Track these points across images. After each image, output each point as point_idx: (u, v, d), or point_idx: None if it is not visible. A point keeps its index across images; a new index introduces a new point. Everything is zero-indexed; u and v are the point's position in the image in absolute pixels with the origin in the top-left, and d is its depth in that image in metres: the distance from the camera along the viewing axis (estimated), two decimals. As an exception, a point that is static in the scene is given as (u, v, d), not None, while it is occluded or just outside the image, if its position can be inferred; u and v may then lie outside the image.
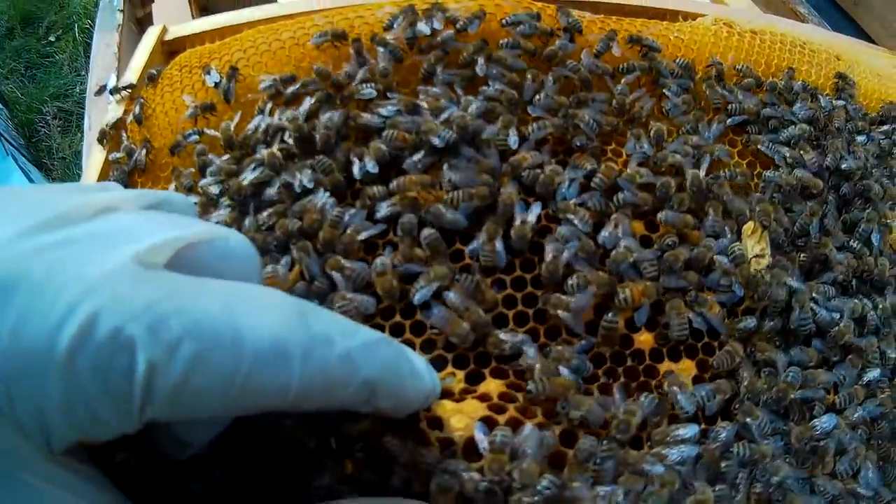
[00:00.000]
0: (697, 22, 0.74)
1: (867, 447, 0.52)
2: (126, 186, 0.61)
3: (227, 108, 0.62)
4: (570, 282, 0.50)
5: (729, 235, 0.56)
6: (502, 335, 0.48)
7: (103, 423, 0.26)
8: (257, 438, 0.38)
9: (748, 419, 0.48)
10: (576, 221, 0.52)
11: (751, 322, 0.53)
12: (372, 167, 0.53)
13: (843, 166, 0.63)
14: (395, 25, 0.63)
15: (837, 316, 0.56)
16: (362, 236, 0.51)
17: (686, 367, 0.52)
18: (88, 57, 0.93)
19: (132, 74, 0.68)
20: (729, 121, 0.65)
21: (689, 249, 0.53)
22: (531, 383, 0.45)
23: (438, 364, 0.48)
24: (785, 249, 0.59)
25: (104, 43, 0.93)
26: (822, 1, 1.17)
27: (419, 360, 0.36)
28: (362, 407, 0.33)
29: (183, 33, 0.72)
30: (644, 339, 0.52)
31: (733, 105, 0.65)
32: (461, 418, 0.43)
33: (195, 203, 0.55)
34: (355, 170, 0.54)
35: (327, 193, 0.52)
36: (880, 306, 0.59)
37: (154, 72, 0.67)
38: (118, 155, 0.62)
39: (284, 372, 0.28)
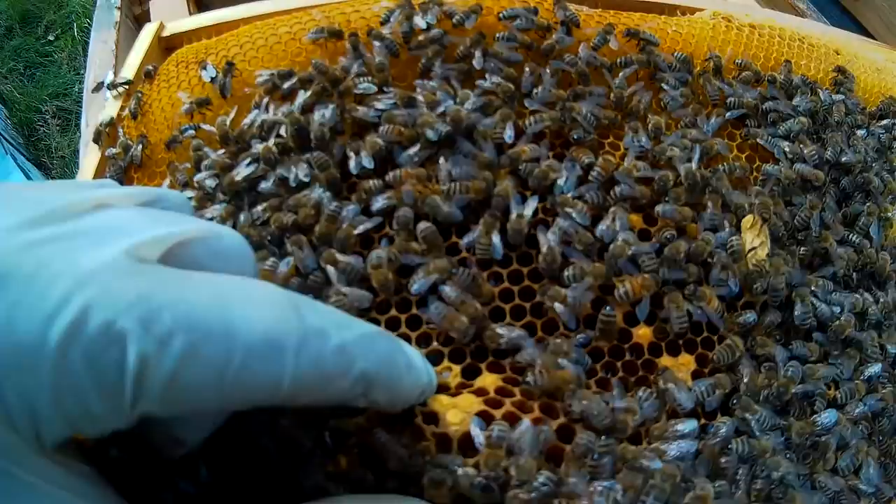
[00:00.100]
0: (696, 16, 0.74)
1: (868, 443, 0.52)
2: (122, 182, 0.61)
3: (223, 104, 0.62)
4: (566, 273, 0.50)
5: (728, 229, 0.55)
6: (499, 329, 0.47)
7: (95, 417, 0.26)
8: (252, 436, 0.38)
9: (747, 414, 0.48)
10: (574, 215, 0.52)
11: (751, 316, 0.53)
12: (368, 162, 0.53)
13: (844, 160, 0.63)
14: (391, 20, 0.63)
15: (838, 310, 0.55)
16: (359, 230, 0.50)
17: (685, 362, 0.52)
18: (87, 55, 0.93)
19: (129, 71, 0.68)
20: (728, 114, 0.64)
21: (688, 243, 0.53)
22: (529, 375, 0.45)
23: (434, 358, 0.47)
24: (785, 243, 0.58)
25: (102, 40, 0.93)
26: (821, -3, 1.17)
27: (415, 354, 0.36)
28: (358, 401, 0.32)
29: (180, 29, 0.72)
30: (643, 334, 0.51)
31: (732, 99, 0.65)
32: (457, 413, 0.42)
33: (191, 198, 0.55)
34: (351, 164, 0.54)
35: (322, 188, 0.52)
36: (881, 301, 0.59)
37: (150, 68, 0.66)
38: (114, 150, 0.62)
39: (278, 365, 0.28)
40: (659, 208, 0.54)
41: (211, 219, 0.53)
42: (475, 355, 0.48)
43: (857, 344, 0.55)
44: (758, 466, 0.46)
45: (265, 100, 0.59)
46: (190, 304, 0.26)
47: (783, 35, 0.73)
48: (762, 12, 0.81)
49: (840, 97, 0.69)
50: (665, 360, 0.51)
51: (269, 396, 0.28)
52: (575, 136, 0.57)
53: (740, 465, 0.46)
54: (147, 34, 0.71)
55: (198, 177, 0.56)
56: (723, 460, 0.46)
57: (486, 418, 0.42)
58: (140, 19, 1.02)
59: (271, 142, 0.55)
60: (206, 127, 0.60)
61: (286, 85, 0.59)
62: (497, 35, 0.62)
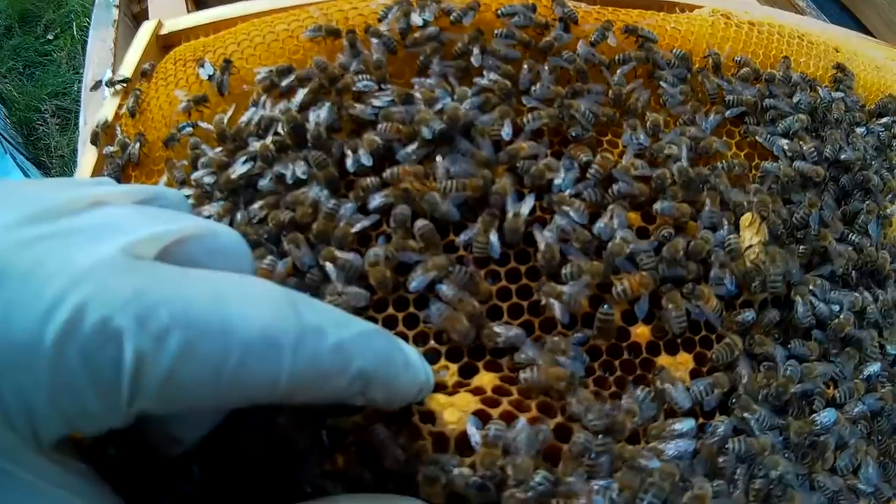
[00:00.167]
0: (695, 13, 0.73)
1: (867, 442, 0.52)
2: (120, 180, 0.61)
3: (221, 101, 0.62)
4: (564, 270, 0.49)
5: (726, 227, 0.55)
6: (497, 328, 0.47)
7: (92, 415, 0.26)
8: (249, 435, 0.38)
9: (746, 414, 0.48)
10: (571, 213, 0.52)
11: (749, 315, 0.52)
12: (366, 160, 0.53)
13: (843, 157, 0.63)
14: (388, 17, 0.62)
15: (837, 308, 0.55)
16: (356, 228, 0.50)
17: (683, 361, 0.51)
18: (86, 54, 0.93)
19: (127, 69, 0.67)
20: (727, 112, 0.64)
21: (686, 241, 0.53)
22: (523, 372, 0.45)
23: (431, 357, 0.47)
24: (784, 241, 0.58)
25: (100, 38, 0.93)
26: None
27: (413, 352, 0.35)
28: (355, 399, 0.32)
29: (178, 27, 0.72)
30: (640, 332, 0.51)
31: (731, 96, 0.64)
32: (454, 412, 0.42)
33: (188, 196, 0.55)
34: (349, 162, 0.53)
35: (320, 186, 0.52)
36: (880, 299, 0.59)
37: (148, 66, 0.66)
38: (112, 148, 0.62)
39: (275, 362, 0.28)
40: (657, 205, 0.54)
41: (208, 216, 0.52)
42: (472, 354, 0.48)
43: (856, 342, 0.55)
44: (756, 466, 0.46)
45: (263, 97, 0.59)
46: (187, 302, 0.26)
47: (782, 32, 0.73)
48: (761, 9, 0.81)
49: (839, 95, 0.69)
50: (663, 359, 0.51)
51: (266, 394, 0.28)
52: (573, 134, 0.57)
53: (738, 465, 0.46)
54: (145, 32, 0.71)
55: (195, 174, 0.56)
56: (721, 459, 0.45)
57: (483, 417, 0.42)
58: (138, 17, 1.02)
59: (268, 139, 0.55)
60: (203, 125, 0.60)
61: (284, 82, 0.59)
62: (495, 32, 0.62)
